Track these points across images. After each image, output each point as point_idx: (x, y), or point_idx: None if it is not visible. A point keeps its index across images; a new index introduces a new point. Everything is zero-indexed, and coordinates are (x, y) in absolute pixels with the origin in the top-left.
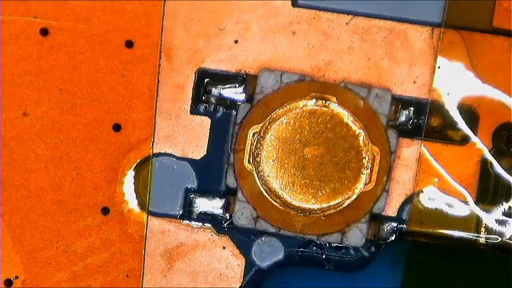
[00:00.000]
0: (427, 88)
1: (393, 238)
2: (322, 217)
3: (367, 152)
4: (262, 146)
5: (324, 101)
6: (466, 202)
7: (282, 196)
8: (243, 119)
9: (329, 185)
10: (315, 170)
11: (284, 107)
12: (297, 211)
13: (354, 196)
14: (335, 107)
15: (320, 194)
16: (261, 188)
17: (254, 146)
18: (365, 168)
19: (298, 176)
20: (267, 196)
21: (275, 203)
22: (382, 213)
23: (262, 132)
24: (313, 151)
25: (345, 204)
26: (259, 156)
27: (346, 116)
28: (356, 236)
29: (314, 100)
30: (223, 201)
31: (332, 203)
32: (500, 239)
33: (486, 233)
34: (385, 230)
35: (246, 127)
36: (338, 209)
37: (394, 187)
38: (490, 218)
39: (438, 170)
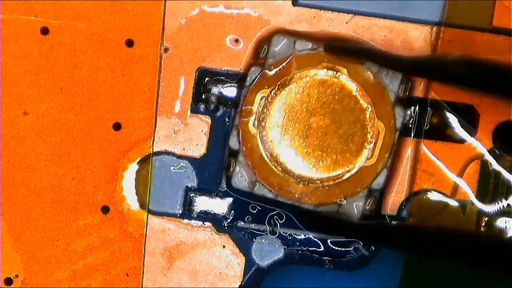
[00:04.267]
0: (427, 88)
1: None
2: (320, 188)
3: (372, 127)
4: (269, 111)
5: (335, 72)
6: (466, 201)
7: (282, 162)
8: (252, 82)
9: (331, 156)
10: (318, 140)
11: (295, 74)
12: (296, 179)
13: (355, 170)
14: (345, 79)
15: (321, 164)
16: (263, 153)
17: (261, 110)
18: (369, 143)
19: (301, 144)
20: (268, 161)
21: (275, 169)
22: (382, 213)
23: (270, 97)
24: (318, 121)
25: (345, 177)
26: (265, 121)
27: (355, 89)
28: (352, 209)
29: (325, 70)
30: (223, 200)
31: (332, 174)
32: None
33: (486, 232)
34: None
35: (255, 91)
36: (337, 181)
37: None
38: (490, 217)
39: (438, 169)
